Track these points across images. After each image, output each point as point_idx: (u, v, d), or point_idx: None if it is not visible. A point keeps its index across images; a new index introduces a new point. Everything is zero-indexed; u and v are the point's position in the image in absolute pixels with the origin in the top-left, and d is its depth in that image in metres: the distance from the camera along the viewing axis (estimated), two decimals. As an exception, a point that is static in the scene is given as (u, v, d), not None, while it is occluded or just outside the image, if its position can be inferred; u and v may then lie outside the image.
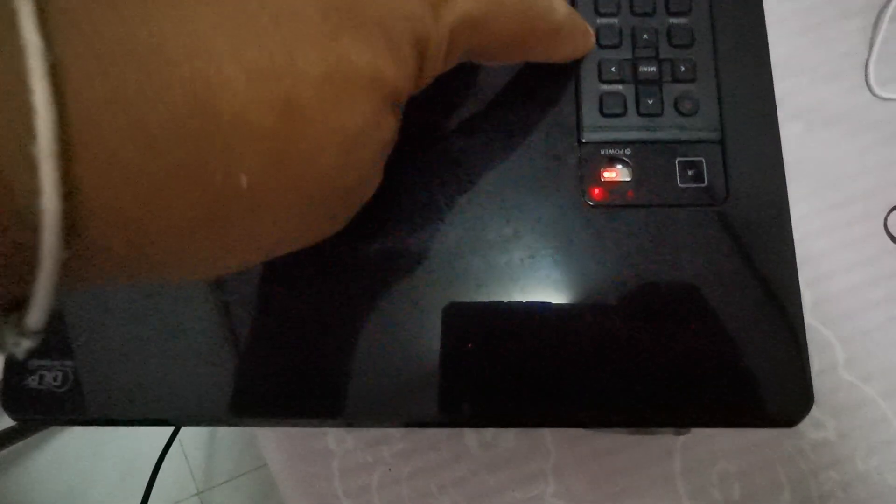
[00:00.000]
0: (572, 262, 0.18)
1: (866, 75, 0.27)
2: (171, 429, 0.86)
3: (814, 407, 0.25)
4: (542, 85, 0.19)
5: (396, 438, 0.26)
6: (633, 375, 0.17)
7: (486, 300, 0.18)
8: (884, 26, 0.27)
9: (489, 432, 0.26)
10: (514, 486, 0.25)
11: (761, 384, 0.17)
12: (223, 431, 0.84)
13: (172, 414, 0.18)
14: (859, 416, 0.25)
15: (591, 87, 0.19)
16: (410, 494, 0.25)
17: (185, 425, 0.19)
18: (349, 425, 0.22)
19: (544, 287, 0.18)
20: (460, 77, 0.19)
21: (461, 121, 0.19)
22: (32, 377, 0.18)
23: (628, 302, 0.17)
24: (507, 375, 0.17)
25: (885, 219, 0.26)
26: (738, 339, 0.17)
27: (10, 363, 0.18)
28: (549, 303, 0.18)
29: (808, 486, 0.25)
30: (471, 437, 0.26)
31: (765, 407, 0.17)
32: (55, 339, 0.18)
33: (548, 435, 0.26)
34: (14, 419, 0.18)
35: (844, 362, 0.25)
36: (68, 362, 0.18)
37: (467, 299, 0.18)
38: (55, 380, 0.18)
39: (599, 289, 0.18)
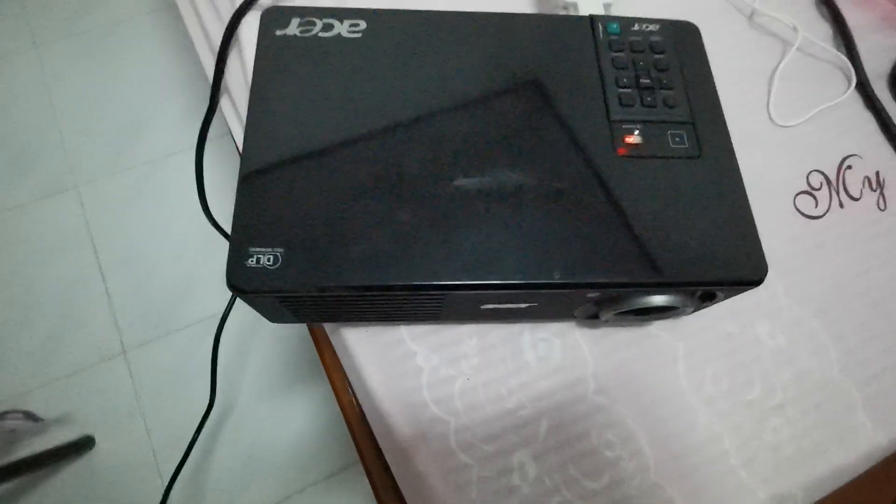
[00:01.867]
0: (609, 190, 0.28)
1: (769, 113, 0.41)
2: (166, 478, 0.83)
3: (767, 322, 0.35)
4: (575, 90, 0.31)
5: (472, 355, 0.33)
6: (646, 253, 0.27)
7: (551, 202, 0.27)
8: (775, 84, 0.42)
9: (543, 348, 0.34)
10: (565, 387, 0.33)
11: (734, 258, 0.27)
12: (214, 472, 0.83)
13: (357, 279, 0.25)
14: (799, 330, 0.35)
15: (612, 90, 0.31)
16: (487, 397, 0.32)
17: (364, 290, 0.26)
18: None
19: (589, 200, 0.28)
20: (521, 96, 0.30)
21: (523, 109, 0.30)
22: (251, 259, 0.25)
23: (646, 216, 0.27)
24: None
25: (794, 200, 0.39)
26: (716, 233, 0.27)
27: (234, 249, 0.25)
28: (594, 209, 0.27)
29: (772, 380, 0.34)
30: (529, 353, 0.34)
31: (739, 273, 0.27)
32: (268, 230, 0.26)
33: (584, 348, 0.34)
34: (237, 292, 0.25)
35: (784, 292, 0.36)
36: (278, 248, 0.25)
37: (534, 209, 0.27)
38: (268, 261, 0.25)
39: (624, 206, 0.28)
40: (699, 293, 0.29)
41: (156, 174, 1.00)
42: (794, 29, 0.42)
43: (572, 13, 0.36)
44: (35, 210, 0.96)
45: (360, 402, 0.36)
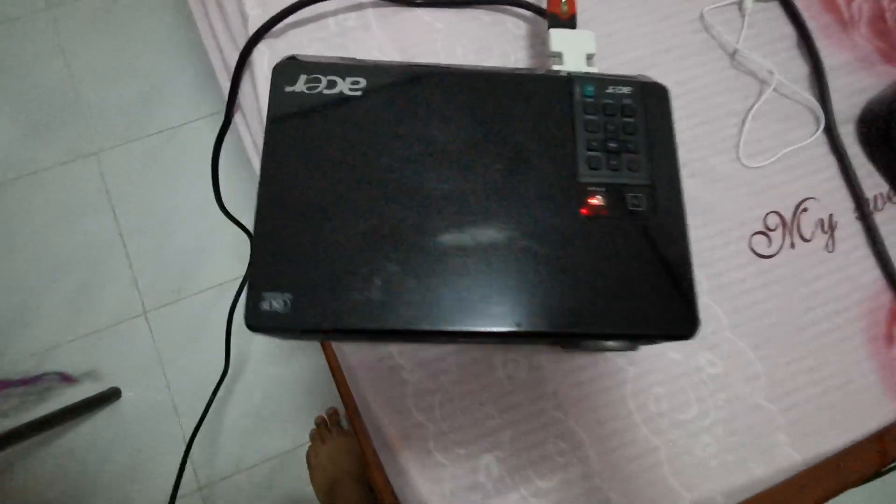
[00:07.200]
0: (567, 248, 0.32)
1: (738, 153, 0.45)
2: (187, 428, 0.93)
3: (709, 352, 0.40)
4: (549, 151, 0.34)
5: (451, 371, 0.39)
6: (592, 307, 0.31)
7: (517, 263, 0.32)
8: (747, 124, 0.45)
9: (512, 368, 0.39)
10: (528, 402, 0.39)
11: (670, 315, 0.32)
12: (228, 425, 0.92)
13: (351, 323, 0.30)
14: (737, 360, 0.40)
15: (582, 153, 0.34)
16: (461, 407, 0.38)
17: (361, 332, 0.31)
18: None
19: (550, 258, 0.32)
20: (501, 157, 0.34)
21: (501, 169, 0.34)
22: (265, 303, 0.30)
23: (597, 273, 0.32)
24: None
25: (749, 239, 0.43)
26: (657, 291, 0.32)
27: (251, 295, 0.30)
28: (553, 266, 0.32)
29: (707, 402, 0.40)
30: (500, 371, 0.39)
31: (672, 329, 0.32)
32: (279, 279, 0.31)
33: (547, 369, 0.39)
34: (253, 331, 0.30)
35: (728, 326, 0.41)
36: (287, 294, 0.31)
37: (502, 265, 0.32)
38: (279, 305, 0.30)
39: (579, 263, 0.32)
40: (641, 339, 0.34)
41: (172, 143, 1.04)
42: (770, 72, 0.45)
43: (557, 65, 0.39)
44: (57, 175, 1.01)
45: (356, 401, 0.42)
